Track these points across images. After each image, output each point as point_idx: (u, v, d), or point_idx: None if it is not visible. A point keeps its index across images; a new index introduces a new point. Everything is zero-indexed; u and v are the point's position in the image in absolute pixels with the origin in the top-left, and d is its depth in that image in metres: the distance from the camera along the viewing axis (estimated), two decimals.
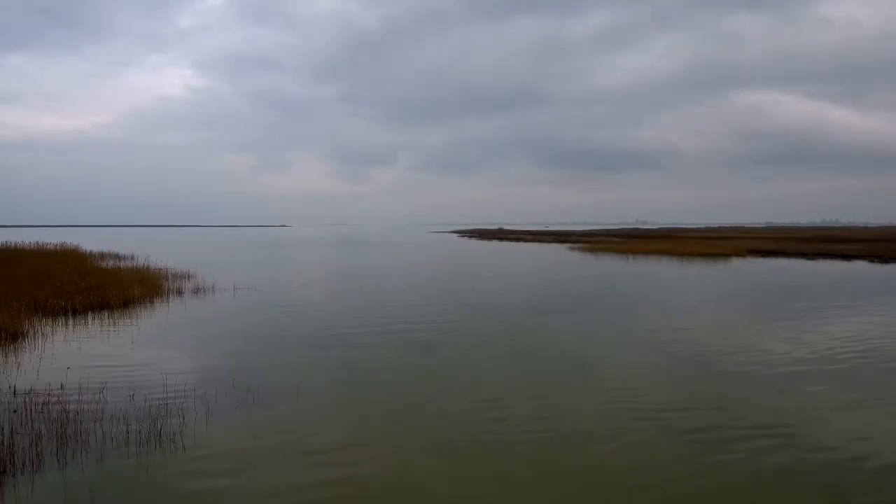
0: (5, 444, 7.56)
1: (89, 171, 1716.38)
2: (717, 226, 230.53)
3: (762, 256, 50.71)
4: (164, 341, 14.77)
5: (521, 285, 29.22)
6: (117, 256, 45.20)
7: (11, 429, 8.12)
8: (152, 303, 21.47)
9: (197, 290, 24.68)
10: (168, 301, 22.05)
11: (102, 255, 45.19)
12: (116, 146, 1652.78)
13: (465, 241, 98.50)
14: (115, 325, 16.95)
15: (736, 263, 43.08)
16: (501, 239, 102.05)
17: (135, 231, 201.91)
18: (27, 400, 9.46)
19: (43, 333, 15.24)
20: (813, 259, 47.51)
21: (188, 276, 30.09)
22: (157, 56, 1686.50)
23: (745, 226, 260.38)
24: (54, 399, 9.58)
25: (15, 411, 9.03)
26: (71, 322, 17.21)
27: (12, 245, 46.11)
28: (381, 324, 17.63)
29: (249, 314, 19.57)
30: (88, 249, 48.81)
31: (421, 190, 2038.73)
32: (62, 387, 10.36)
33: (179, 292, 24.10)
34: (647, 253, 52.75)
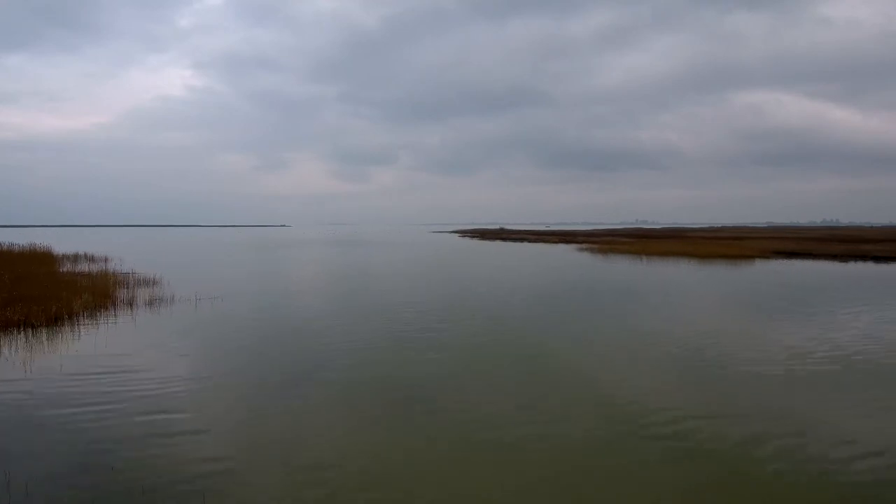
0: None
1: (89, 171, 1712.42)
2: (719, 225, 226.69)
3: (787, 258, 46.98)
4: (52, 390, 10.58)
5: (539, 293, 25.33)
6: (91, 259, 41.94)
7: None
8: (93, 318, 17.75)
9: (153, 302, 20.92)
10: (112, 316, 18.31)
11: (76, 258, 41.93)
12: (116, 146, 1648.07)
13: (467, 241, 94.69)
14: (11, 355, 13.14)
15: (763, 266, 39.32)
16: (504, 239, 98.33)
17: (132, 231, 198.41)
18: None
19: None
20: (844, 261, 43.76)
21: (152, 283, 26.44)
22: (156, 56, 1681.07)
23: (747, 226, 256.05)
24: None
25: None
26: None
27: None
28: (369, 350, 13.85)
29: (198, 338, 15.70)
30: (62, 252, 45.39)
31: (421, 190, 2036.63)
32: None
33: (131, 304, 20.35)
34: (663, 255, 49.04)
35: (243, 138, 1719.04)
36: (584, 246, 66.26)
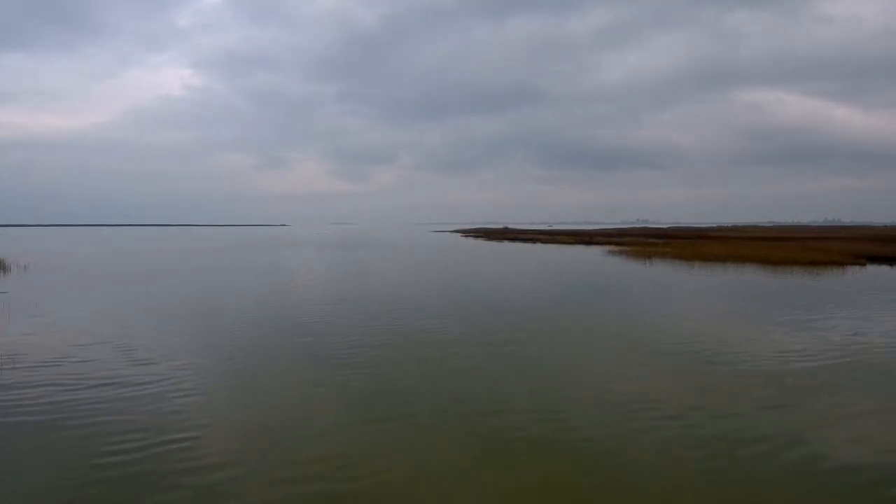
0: None
1: (88, 170, 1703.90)
2: (729, 225, 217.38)
3: (888, 264, 37.04)
4: None
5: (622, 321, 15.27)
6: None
7: None
8: None
9: None
10: None
11: None
12: (115, 146, 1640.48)
13: (472, 241, 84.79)
14: None
15: (862, 274, 29.42)
16: (513, 240, 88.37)
17: (131, 231, 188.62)
18: None
19: None
20: None
21: None
22: (155, 55, 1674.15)
23: (750, 225, 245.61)
24: None
25: None
26: None
27: None
28: None
29: None
30: None
31: (421, 189, 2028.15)
32: None
33: None
34: (718, 260, 39.17)
35: (243, 137, 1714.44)
36: (612, 249, 56.24)
